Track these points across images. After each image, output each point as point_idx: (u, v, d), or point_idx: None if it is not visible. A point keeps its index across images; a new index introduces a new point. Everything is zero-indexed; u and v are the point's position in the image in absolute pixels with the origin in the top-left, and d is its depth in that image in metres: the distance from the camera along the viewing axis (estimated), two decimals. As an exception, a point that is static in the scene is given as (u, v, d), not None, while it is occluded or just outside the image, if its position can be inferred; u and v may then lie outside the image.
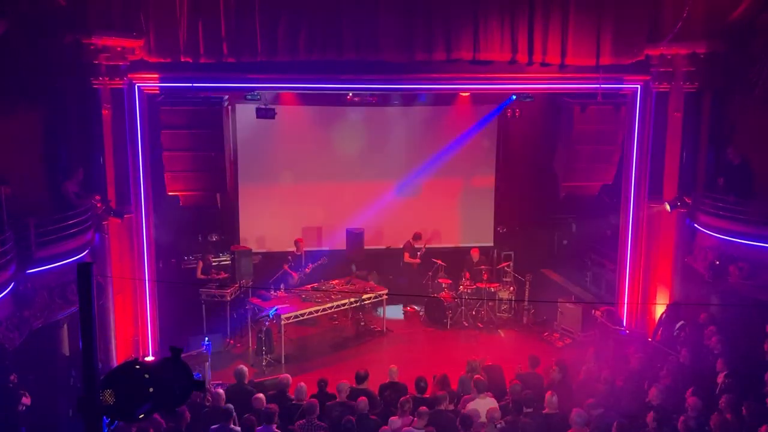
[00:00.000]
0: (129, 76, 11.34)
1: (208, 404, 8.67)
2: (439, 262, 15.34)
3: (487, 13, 11.58)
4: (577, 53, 11.80)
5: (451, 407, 8.69)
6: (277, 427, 8.07)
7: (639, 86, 12.39)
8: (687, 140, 12.15)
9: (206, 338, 11.22)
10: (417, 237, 15.60)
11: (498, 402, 8.77)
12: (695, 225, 12.01)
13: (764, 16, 11.25)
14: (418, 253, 15.53)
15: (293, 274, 14.54)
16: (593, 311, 12.79)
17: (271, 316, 12.49)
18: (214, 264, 14.63)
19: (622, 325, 12.46)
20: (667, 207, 12.17)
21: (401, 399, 8.49)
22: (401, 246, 15.76)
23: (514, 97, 14.08)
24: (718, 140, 12.09)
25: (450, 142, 16.17)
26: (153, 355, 12.08)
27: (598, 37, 11.76)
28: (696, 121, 12.10)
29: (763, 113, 11.37)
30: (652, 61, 12.02)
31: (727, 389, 8.63)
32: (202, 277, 14.08)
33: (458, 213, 16.79)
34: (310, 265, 14.64)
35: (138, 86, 11.57)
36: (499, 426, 8.14)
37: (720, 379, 9.15)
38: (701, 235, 11.90)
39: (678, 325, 11.42)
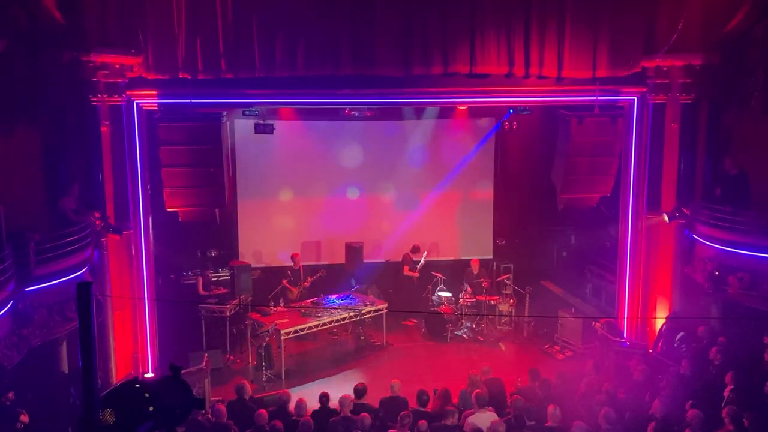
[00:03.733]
0: (127, 92, 11.38)
1: (208, 422, 8.63)
2: (439, 275, 15.33)
3: (483, 26, 11.64)
4: (573, 66, 11.86)
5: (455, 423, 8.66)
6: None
7: (636, 98, 12.44)
8: (684, 151, 12.18)
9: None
10: (415, 250, 15.60)
11: (499, 416, 8.74)
12: (694, 236, 12.02)
13: (759, 28, 11.32)
14: (417, 266, 15.52)
15: (293, 289, 14.53)
16: (593, 323, 12.76)
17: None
18: (213, 280, 14.61)
19: (623, 337, 12.43)
20: (666, 218, 12.18)
21: (401, 413, 8.46)
22: (400, 259, 15.75)
23: (511, 111, 14.15)
24: (715, 151, 12.13)
25: (448, 155, 16.21)
26: (153, 372, 12.04)
27: (595, 49, 11.82)
28: (693, 132, 12.14)
29: (760, 123, 11.43)
30: (648, 73, 12.07)
31: (733, 404, 8.59)
32: (204, 293, 14.05)
33: (457, 226, 16.80)
34: (309, 279, 14.63)
35: (136, 103, 11.61)
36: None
37: (726, 393, 9.11)
38: (700, 246, 11.91)
39: (678, 336, 11.39)
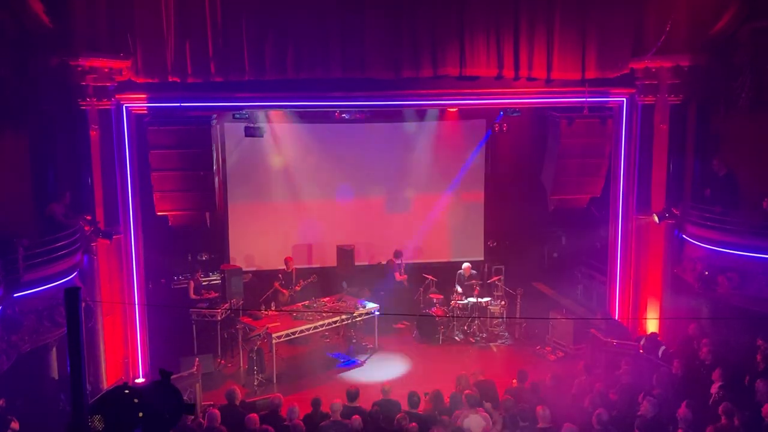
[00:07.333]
0: (116, 96, 11.34)
1: (198, 427, 8.59)
2: (430, 277, 15.32)
3: (472, 29, 11.69)
4: (562, 68, 11.91)
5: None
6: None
7: (625, 99, 12.51)
8: (673, 152, 12.25)
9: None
10: (398, 254, 15.56)
11: (491, 417, 8.74)
12: (683, 236, 12.08)
13: (745, 29, 11.41)
14: (402, 269, 15.51)
15: (284, 291, 14.49)
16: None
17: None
18: (204, 284, 14.56)
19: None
20: (656, 218, 12.23)
21: (398, 415, 8.46)
22: (384, 262, 15.71)
23: (502, 113, 14.18)
24: (703, 151, 12.21)
25: (438, 157, 16.23)
26: (144, 377, 11.99)
27: (583, 51, 11.88)
28: (682, 132, 12.21)
29: (747, 124, 11.51)
30: (637, 74, 12.14)
31: (722, 400, 8.65)
32: (195, 297, 14.00)
33: (448, 228, 16.81)
34: (302, 282, 14.60)
35: (126, 107, 11.57)
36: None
37: (714, 389, 9.17)
38: (690, 246, 11.97)
39: (661, 351, 11.35)
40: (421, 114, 15.73)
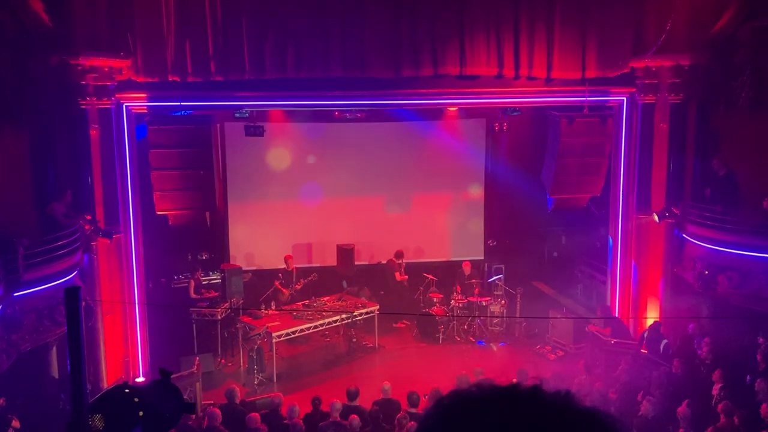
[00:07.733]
0: (116, 95, 11.34)
1: (198, 426, 8.60)
2: (430, 276, 15.32)
3: (472, 28, 11.69)
4: (562, 67, 11.91)
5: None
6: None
7: (625, 98, 12.50)
8: (673, 151, 12.25)
9: None
10: (399, 255, 15.54)
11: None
12: (684, 235, 12.08)
13: (746, 28, 11.40)
14: (402, 268, 15.50)
15: (284, 290, 14.49)
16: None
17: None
18: (204, 283, 14.56)
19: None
20: (656, 218, 12.23)
21: (398, 415, 8.47)
22: (383, 262, 15.71)
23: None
24: (703, 151, 12.21)
25: (438, 156, 16.22)
26: (144, 376, 11.99)
27: (584, 50, 11.88)
28: (682, 132, 12.21)
29: (747, 123, 11.50)
30: (637, 74, 12.14)
31: (722, 402, 8.64)
32: (195, 296, 14.00)
33: (448, 227, 16.79)
34: (302, 281, 14.59)
35: (126, 106, 11.57)
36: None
37: (715, 391, 9.16)
38: (690, 246, 11.97)
39: (663, 344, 11.36)
40: (421, 113, 15.71)
